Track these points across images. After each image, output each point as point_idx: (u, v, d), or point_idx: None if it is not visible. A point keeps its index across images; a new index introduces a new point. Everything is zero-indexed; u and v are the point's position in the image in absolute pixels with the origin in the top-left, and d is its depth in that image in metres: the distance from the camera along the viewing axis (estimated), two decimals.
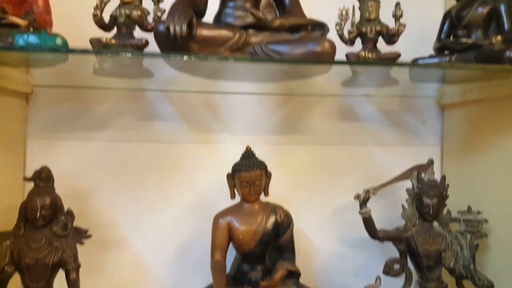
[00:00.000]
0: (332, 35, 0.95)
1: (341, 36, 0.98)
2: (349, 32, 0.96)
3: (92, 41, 0.84)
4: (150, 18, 0.88)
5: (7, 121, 1.00)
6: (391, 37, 0.95)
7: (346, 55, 0.95)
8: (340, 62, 0.73)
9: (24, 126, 1.06)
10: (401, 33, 0.96)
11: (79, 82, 1.05)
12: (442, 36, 0.94)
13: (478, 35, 0.86)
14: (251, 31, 0.80)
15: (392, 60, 0.94)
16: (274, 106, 1.16)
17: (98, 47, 0.84)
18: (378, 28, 0.96)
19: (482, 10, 0.86)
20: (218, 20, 0.87)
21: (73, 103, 1.08)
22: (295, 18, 0.86)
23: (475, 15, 0.87)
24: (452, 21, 0.93)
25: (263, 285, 0.85)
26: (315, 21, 0.88)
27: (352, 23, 0.96)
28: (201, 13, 0.86)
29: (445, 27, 0.94)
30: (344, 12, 0.97)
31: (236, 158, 0.94)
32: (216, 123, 1.13)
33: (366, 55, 0.94)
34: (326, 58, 0.76)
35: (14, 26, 0.72)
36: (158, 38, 0.72)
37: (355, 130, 1.18)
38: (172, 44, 0.70)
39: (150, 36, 0.85)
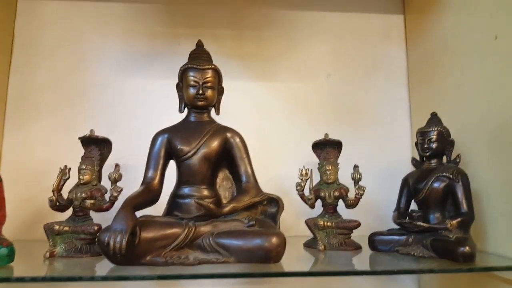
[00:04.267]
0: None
1: (302, 197, 0.98)
2: (308, 199, 0.96)
3: (46, 228, 0.85)
4: (107, 197, 0.90)
5: None
6: (350, 206, 0.95)
7: (306, 222, 0.94)
8: (284, 274, 0.68)
9: None
10: (361, 197, 0.95)
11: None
12: (401, 204, 0.93)
13: (436, 214, 0.85)
14: (200, 221, 0.80)
15: (350, 229, 0.92)
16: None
17: (52, 234, 0.84)
18: (336, 193, 0.95)
19: (439, 186, 0.86)
20: (172, 203, 0.88)
21: None
22: (249, 197, 0.86)
23: (431, 190, 0.86)
24: (410, 191, 0.92)
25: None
26: (270, 196, 0.88)
27: (310, 189, 0.96)
28: (155, 198, 0.87)
29: (403, 196, 0.93)
30: (304, 172, 0.99)
31: None
32: None
33: (325, 224, 0.92)
34: (275, 254, 0.74)
35: None
36: (101, 247, 0.72)
37: None
38: (113, 256, 0.69)
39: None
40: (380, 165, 1.23)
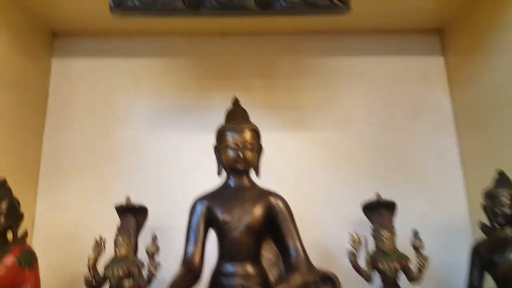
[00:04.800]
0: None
1: (356, 268, 0.88)
2: (364, 271, 0.86)
3: None
4: (144, 273, 0.83)
5: None
6: (413, 280, 0.84)
7: None
8: None
9: None
10: (425, 270, 0.84)
11: None
12: (474, 280, 0.81)
13: None
14: None
15: None
16: None
17: None
18: (396, 265, 0.85)
19: None
20: (214, 281, 0.80)
21: None
22: (301, 275, 0.77)
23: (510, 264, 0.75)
24: (483, 264, 0.81)
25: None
26: (323, 273, 0.79)
27: (367, 261, 0.87)
28: (197, 278, 0.80)
29: (476, 270, 0.81)
30: (356, 239, 0.89)
31: None
32: None
33: None
34: None
35: None
36: None
37: None
38: None
39: None
40: (434, 224, 1.11)
